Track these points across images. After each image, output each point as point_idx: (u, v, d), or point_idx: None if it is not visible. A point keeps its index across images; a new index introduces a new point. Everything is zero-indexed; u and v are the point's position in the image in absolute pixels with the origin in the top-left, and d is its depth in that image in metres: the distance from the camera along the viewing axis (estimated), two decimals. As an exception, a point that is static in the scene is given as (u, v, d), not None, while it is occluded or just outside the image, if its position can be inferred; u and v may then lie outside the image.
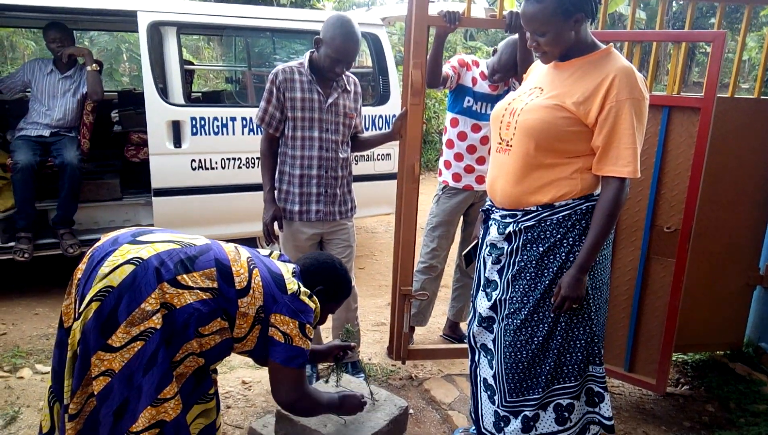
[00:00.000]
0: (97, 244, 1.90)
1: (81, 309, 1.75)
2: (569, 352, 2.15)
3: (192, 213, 4.45)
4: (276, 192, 2.93)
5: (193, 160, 4.37)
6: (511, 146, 2.13)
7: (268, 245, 2.90)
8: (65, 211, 4.35)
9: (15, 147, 4.26)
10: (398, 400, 2.52)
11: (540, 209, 2.11)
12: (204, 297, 1.85)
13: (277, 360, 1.96)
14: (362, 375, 3.14)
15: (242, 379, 3.20)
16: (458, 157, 3.42)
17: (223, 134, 4.41)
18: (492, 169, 2.25)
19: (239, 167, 4.50)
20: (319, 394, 2.17)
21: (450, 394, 3.08)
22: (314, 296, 2.09)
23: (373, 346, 3.73)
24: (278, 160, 2.93)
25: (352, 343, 2.47)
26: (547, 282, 2.11)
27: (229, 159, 4.45)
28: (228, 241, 2.22)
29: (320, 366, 3.22)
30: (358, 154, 4.96)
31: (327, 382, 2.50)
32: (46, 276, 4.74)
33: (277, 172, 2.94)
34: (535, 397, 2.20)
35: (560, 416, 2.20)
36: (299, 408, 2.09)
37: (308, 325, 2.00)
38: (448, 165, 3.49)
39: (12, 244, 4.21)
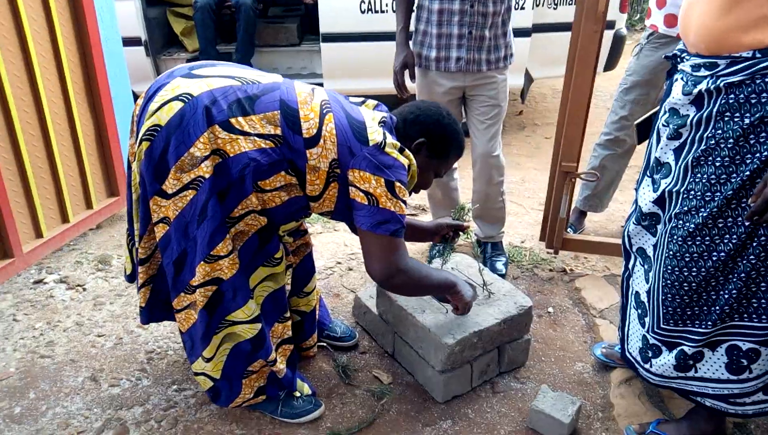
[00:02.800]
0: (159, 77, 1.67)
1: (135, 149, 1.57)
2: (766, 279, 1.43)
3: (363, 63, 4.14)
4: (413, 34, 2.42)
5: (362, 2, 3.97)
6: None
7: (401, 97, 2.46)
8: (242, 54, 4.39)
9: (196, -14, 4.30)
10: (521, 298, 2.05)
11: (758, 56, 1.31)
12: (263, 146, 1.53)
13: (363, 226, 1.61)
14: (503, 259, 2.69)
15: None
16: (677, -10, 2.47)
17: (394, -31, 3.90)
18: (689, -9, 1.46)
19: (412, 10, 3.99)
20: (426, 271, 1.77)
21: (605, 299, 2.50)
22: (407, 151, 1.65)
23: (531, 228, 3.21)
24: (418, -9, 2.38)
25: (465, 223, 2.01)
26: (748, 172, 1.36)
27: (400, 0, 3.96)
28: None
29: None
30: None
31: (431, 263, 2.12)
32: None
33: (415, 7, 2.40)
34: (701, 331, 1.56)
35: (735, 363, 1.55)
36: (396, 284, 1.72)
37: (398, 184, 1.59)
38: (661, 3, 2.57)
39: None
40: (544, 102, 5.63)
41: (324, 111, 1.59)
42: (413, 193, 1.83)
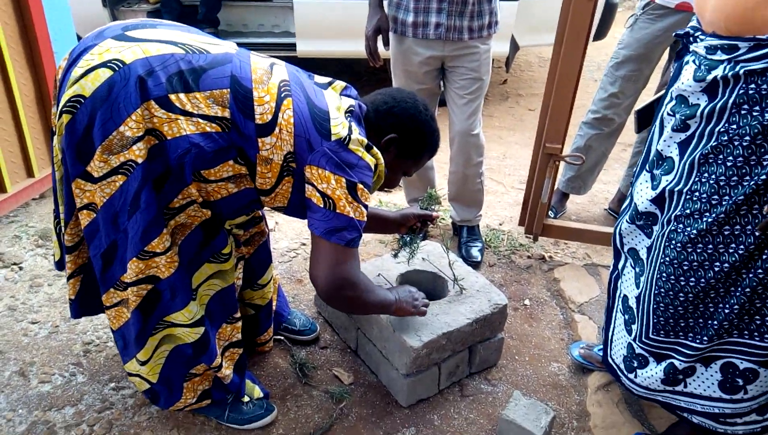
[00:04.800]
0: (86, 36, 1.41)
1: (56, 121, 1.33)
2: (772, 298, 1.28)
3: (340, 22, 3.86)
4: (389, -6, 2.18)
5: (340, -45, 3.68)
6: None
7: (374, 65, 2.21)
8: (208, 8, 4.08)
9: (158, -70, 3.93)
10: (495, 295, 1.88)
11: (785, 40, 1.12)
12: (208, 129, 1.30)
13: (317, 231, 1.40)
14: (479, 244, 2.52)
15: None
16: (676, -43, 2.25)
17: None
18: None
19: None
20: (373, 288, 1.58)
21: (586, 292, 2.35)
22: (375, 149, 1.44)
23: (511, 209, 3.03)
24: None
25: (434, 213, 1.81)
26: (764, 176, 1.19)
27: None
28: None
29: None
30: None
31: (396, 256, 1.92)
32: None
33: (391, -36, 2.15)
34: (695, 345, 1.41)
35: (729, 382, 1.41)
36: (340, 297, 1.49)
37: (361, 186, 1.39)
38: (659, -31, 2.35)
39: (160, 40, 4.09)
40: (529, 70, 5.40)
41: (282, 94, 1.36)
42: (375, 193, 1.63)
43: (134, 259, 1.37)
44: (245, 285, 1.80)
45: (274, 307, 1.96)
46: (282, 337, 2.01)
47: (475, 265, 2.47)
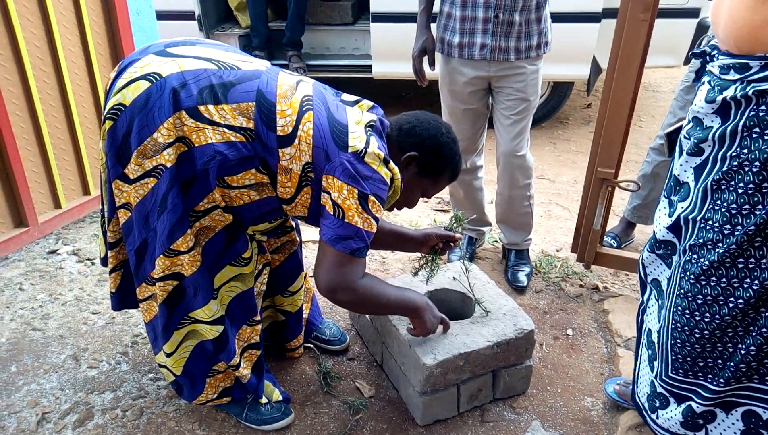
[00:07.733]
0: (133, 51, 1.57)
1: (102, 126, 1.49)
2: (793, 341, 1.15)
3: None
4: (437, 16, 2.20)
5: (416, -20, 3.76)
6: None
7: (421, 85, 2.24)
8: (292, 32, 4.29)
9: (249, -40, 4.23)
10: (522, 319, 1.82)
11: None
12: (233, 139, 1.40)
13: (324, 237, 1.46)
14: (526, 269, 2.45)
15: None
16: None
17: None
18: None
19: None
20: (382, 290, 1.58)
21: (635, 326, 2.20)
22: (392, 164, 1.48)
23: (572, 236, 2.91)
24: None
25: (457, 234, 1.79)
26: (779, 204, 1.09)
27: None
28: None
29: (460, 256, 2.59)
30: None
31: (416, 275, 1.91)
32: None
33: (441, -14, 2.18)
34: (713, 387, 1.30)
35: (753, 432, 1.27)
36: (340, 300, 1.54)
37: (373, 198, 1.42)
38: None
39: (248, 61, 4.36)
40: (616, 95, 5.17)
41: (304, 108, 1.44)
42: (394, 211, 1.66)
43: (161, 256, 1.48)
44: (276, 291, 1.88)
45: (305, 316, 2.03)
46: (312, 346, 2.06)
47: (521, 289, 2.41)
